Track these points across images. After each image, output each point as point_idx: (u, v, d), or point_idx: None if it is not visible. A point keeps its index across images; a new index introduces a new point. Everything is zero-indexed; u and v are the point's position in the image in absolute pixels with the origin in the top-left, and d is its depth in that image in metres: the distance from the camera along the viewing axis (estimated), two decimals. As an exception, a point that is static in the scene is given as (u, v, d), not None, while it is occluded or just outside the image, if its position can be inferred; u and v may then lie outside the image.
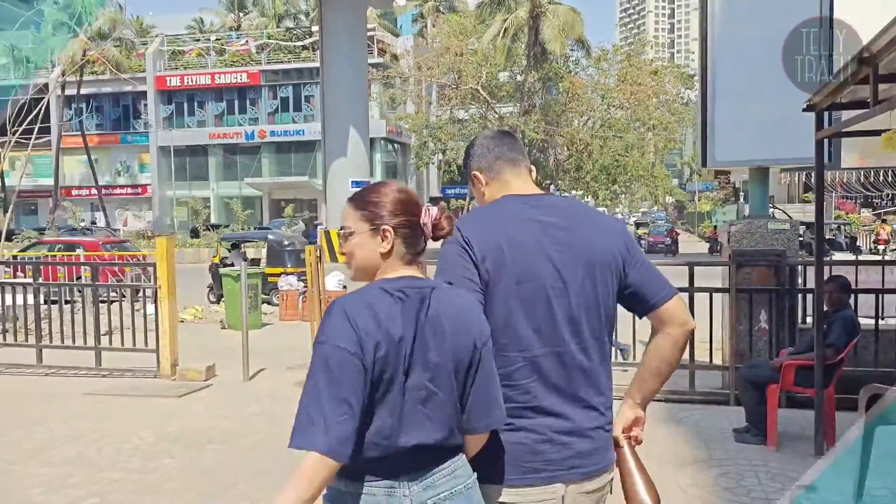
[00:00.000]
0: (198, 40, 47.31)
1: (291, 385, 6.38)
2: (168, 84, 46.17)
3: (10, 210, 19.38)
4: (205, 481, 4.19)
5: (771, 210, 10.13)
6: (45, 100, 14.35)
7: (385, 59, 43.67)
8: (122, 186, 47.35)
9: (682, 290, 5.64)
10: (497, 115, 39.86)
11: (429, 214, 1.63)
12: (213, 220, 39.82)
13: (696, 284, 5.86)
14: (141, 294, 8.08)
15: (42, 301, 7.60)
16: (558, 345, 1.73)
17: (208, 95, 46.52)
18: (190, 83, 46.00)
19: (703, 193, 52.31)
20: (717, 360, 6.40)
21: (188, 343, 7.57)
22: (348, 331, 1.45)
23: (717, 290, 6.08)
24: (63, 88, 39.90)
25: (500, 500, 1.71)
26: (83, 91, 42.00)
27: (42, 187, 44.14)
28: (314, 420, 1.40)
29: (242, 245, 15.22)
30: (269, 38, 44.98)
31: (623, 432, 1.87)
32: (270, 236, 15.27)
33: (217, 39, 46.99)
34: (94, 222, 39.03)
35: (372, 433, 1.48)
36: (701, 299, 5.82)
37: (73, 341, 7.24)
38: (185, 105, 46.95)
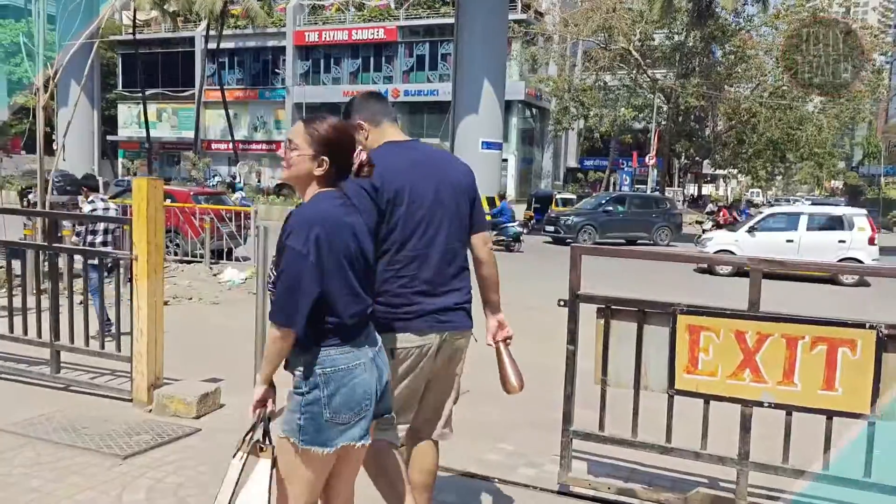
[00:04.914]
0: (339, -6, 45.80)
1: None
2: (306, 39, 45.28)
3: (150, 159, 18.19)
4: None
5: None
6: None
7: (528, 15, 39.88)
8: (257, 142, 47.22)
9: None
10: (649, 79, 35.20)
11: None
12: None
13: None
14: (116, 267, 5.49)
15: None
16: (435, 246, 2.48)
17: (345, 52, 45.18)
18: (327, 39, 44.78)
19: (886, 178, 44.99)
20: None
21: (229, 326, 4.83)
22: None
23: None
24: (206, 42, 39.54)
25: (394, 345, 2.44)
26: (227, 46, 41.60)
27: (185, 139, 44.63)
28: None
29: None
30: (410, -9, 42.55)
31: (495, 338, 2.68)
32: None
33: (358, -8, 45.23)
34: (233, 177, 38.63)
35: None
36: None
37: (25, 332, 4.79)
38: (322, 61, 45.89)
